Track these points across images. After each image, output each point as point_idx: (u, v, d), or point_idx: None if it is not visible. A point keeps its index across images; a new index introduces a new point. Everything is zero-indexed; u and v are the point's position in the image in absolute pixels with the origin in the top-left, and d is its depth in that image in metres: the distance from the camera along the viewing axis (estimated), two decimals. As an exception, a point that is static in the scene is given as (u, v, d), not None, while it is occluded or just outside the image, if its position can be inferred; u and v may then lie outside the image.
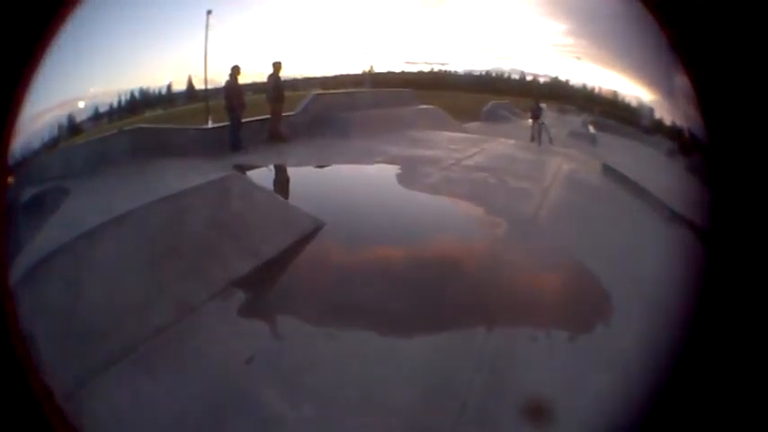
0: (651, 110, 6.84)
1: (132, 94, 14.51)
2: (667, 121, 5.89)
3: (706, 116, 2.34)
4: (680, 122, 5.01)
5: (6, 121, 2.51)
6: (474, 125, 11.24)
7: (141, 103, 13.92)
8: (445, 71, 11.24)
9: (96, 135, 13.37)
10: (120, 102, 14.72)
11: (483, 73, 11.33)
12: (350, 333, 4.92)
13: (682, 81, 2.42)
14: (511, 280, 5.79)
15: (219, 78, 10.90)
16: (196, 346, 4.83)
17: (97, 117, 15.32)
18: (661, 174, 6.01)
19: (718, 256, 2.32)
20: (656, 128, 6.41)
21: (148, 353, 4.75)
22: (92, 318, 5.00)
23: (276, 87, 10.09)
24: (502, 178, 8.65)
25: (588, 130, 9.57)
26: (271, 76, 10.08)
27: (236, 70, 9.87)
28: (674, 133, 5.45)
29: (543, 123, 10.08)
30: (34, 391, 2.42)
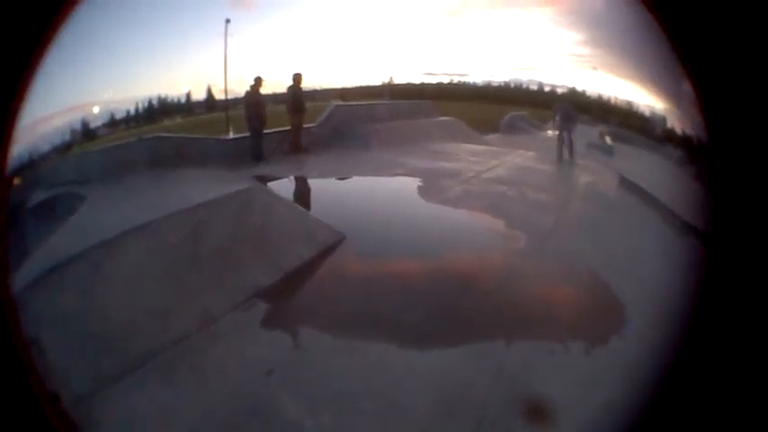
0: (664, 119, 6.83)
1: (150, 102, 14.58)
2: (679, 130, 5.88)
3: (711, 125, 2.33)
4: (689, 131, 4.99)
5: (6, 125, 2.42)
6: (493, 137, 11.24)
7: (159, 111, 14.00)
8: (464, 82, 11.27)
9: (113, 142, 13.44)
10: (137, 109, 14.79)
11: (502, 84, 11.35)
12: (369, 345, 4.83)
13: (690, 90, 2.42)
14: (529, 293, 5.76)
15: (239, 88, 10.95)
16: (217, 356, 4.78)
17: (113, 123, 15.42)
18: (675, 184, 6.00)
19: (725, 261, 2.30)
20: (669, 137, 6.40)
21: (168, 362, 4.72)
22: (108, 326, 5.03)
23: (296, 98, 10.11)
24: (521, 191, 8.63)
25: (605, 141, 9.56)
26: (291, 88, 10.09)
27: (258, 82, 9.86)
28: (685, 142, 5.44)
29: (560, 135, 10.08)
30: (37, 395, 2.38)
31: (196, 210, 6.57)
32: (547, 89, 11.00)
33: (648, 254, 6.14)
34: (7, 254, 2.69)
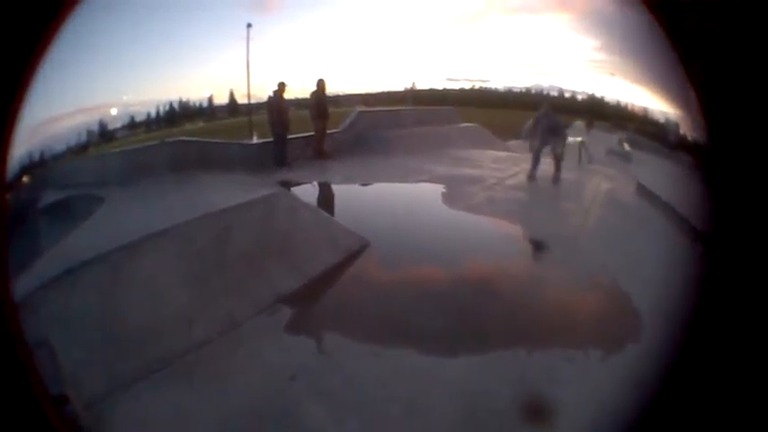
0: (677, 125, 6.80)
1: (171, 105, 14.62)
2: (692, 137, 5.86)
3: (722, 132, 2.34)
4: (700, 138, 4.95)
5: (6, 127, 2.41)
6: (515, 143, 11.22)
7: (181, 114, 14.03)
8: (486, 88, 11.26)
9: (133, 144, 13.44)
10: (158, 112, 14.81)
11: (523, 90, 11.33)
12: (393, 351, 4.88)
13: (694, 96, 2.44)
14: (549, 300, 5.77)
15: (261, 93, 10.96)
16: (240, 360, 4.84)
17: (133, 126, 15.45)
18: (690, 192, 5.98)
19: (740, 268, 2.30)
20: (682, 144, 6.39)
21: (190, 365, 4.78)
22: (128, 328, 5.10)
23: (320, 104, 10.12)
24: (542, 198, 8.63)
25: (624, 147, 9.52)
26: (314, 93, 10.09)
27: (281, 87, 9.87)
28: (697, 149, 5.42)
29: (582, 142, 10.00)
30: (38, 396, 2.38)
31: (222, 214, 6.63)
32: (567, 95, 10.97)
33: (664, 260, 6.13)
34: (8, 256, 2.66)
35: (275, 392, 4.38)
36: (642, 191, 8.34)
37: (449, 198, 8.17)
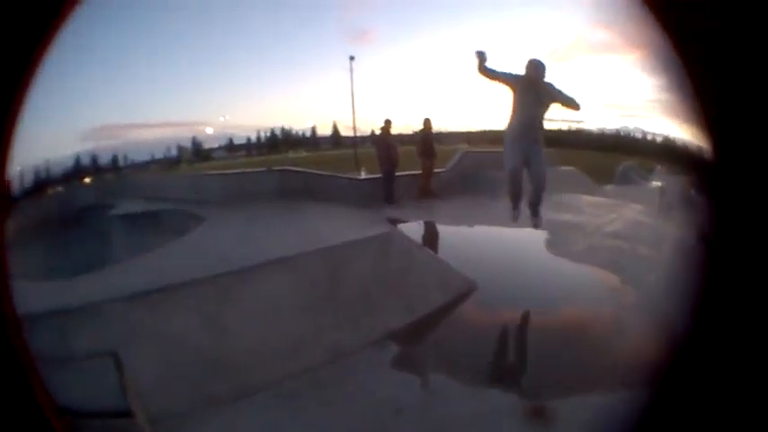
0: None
1: (273, 132, 14.98)
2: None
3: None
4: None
5: (6, 130, 2.29)
6: (610, 188, 11.18)
7: (283, 141, 14.38)
8: (580, 129, 11.25)
9: (234, 167, 13.68)
10: (259, 137, 15.21)
11: (613, 131, 11.31)
12: (495, 392, 4.87)
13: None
14: (636, 347, 5.76)
15: (363, 125, 11.17)
16: (345, 390, 4.89)
17: (231, 148, 15.87)
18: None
19: None
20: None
21: (295, 390, 4.85)
22: (228, 349, 5.20)
23: (427, 143, 10.26)
24: (634, 246, 8.60)
25: (693, 193, 9.33)
26: (421, 132, 10.33)
27: (388, 124, 10.11)
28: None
29: (662, 188, 9.90)
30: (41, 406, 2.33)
31: (338, 249, 6.77)
32: (649, 137, 10.90)
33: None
34: (9, 265, 2.61)
35: (378, 425, 4.44)
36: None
37: (552, 244, 8.19)
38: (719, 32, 2.13)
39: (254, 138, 15.59)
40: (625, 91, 10.38)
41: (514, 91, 7.75)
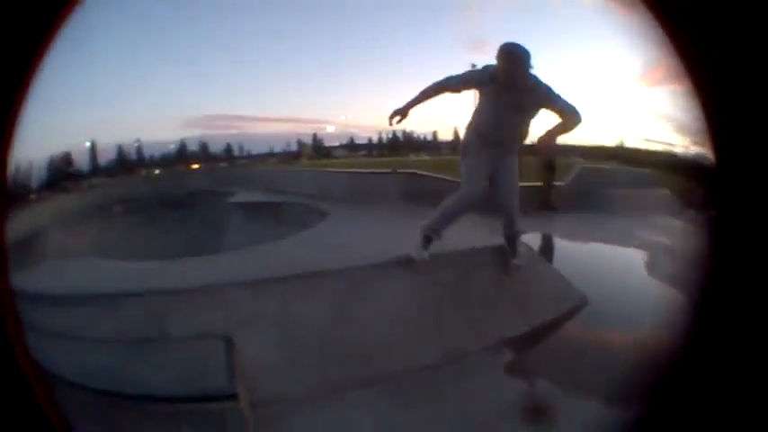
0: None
1: (395, 134, 15.35)
2: None
3: None
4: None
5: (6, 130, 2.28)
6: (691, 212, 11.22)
7: (405, 144, 14.73)
8: (673, 152, 11.31)
9: (355, 167, 13.98)
10: (380, 138, 15.56)
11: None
12: (595, 404, 4.98)
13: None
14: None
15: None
16: (457, 390, 5.18)
17: (351, 147, 16.37)
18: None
19: None
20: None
21: (407, 386, 5.16)
22: (347, 340, 5.61)
23: (549, 156, 10.93)
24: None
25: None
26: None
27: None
28: None
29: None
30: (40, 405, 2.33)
31: (464, 254, 7.26)
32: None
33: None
34: (9, 265, 2.50)
35: (483, 424, 4.67)
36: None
37: (651, 267, 8.54)
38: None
39: (375, 138, 16.02)
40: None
41: (480, 91, 6.86)
